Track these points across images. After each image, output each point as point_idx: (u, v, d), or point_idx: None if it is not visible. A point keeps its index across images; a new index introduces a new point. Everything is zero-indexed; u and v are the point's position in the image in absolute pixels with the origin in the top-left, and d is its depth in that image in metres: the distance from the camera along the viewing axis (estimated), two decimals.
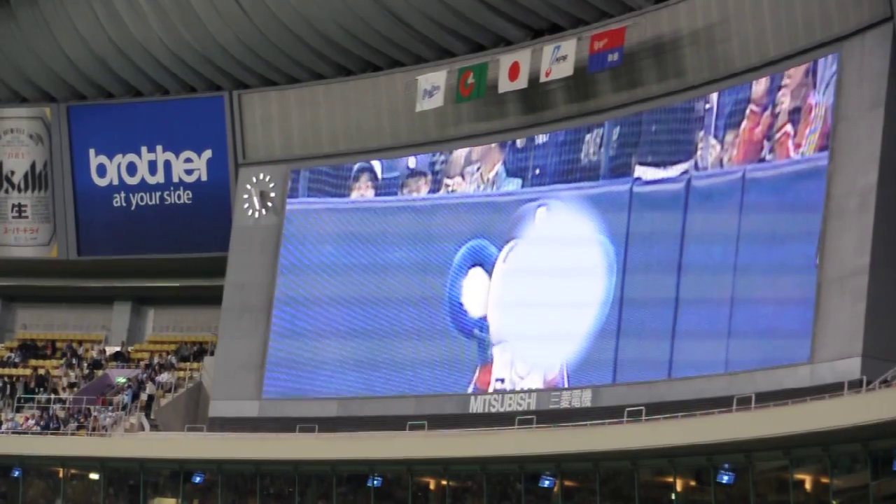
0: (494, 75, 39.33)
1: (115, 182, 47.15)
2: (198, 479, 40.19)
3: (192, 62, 45.16)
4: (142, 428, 42.66)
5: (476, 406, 38.18)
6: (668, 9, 36.70)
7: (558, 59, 38.02)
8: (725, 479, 31.52)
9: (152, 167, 46.72)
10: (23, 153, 48.32)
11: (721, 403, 32.03)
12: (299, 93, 44.01)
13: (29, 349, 48.68)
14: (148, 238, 46.75)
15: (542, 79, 38.34)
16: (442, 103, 40.24)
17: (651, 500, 33.29)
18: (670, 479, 32.77)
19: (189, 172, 46.28)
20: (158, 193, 46.71)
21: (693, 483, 32.71)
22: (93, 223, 47.49)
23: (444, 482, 36.70)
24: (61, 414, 43.84)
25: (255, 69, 44.65)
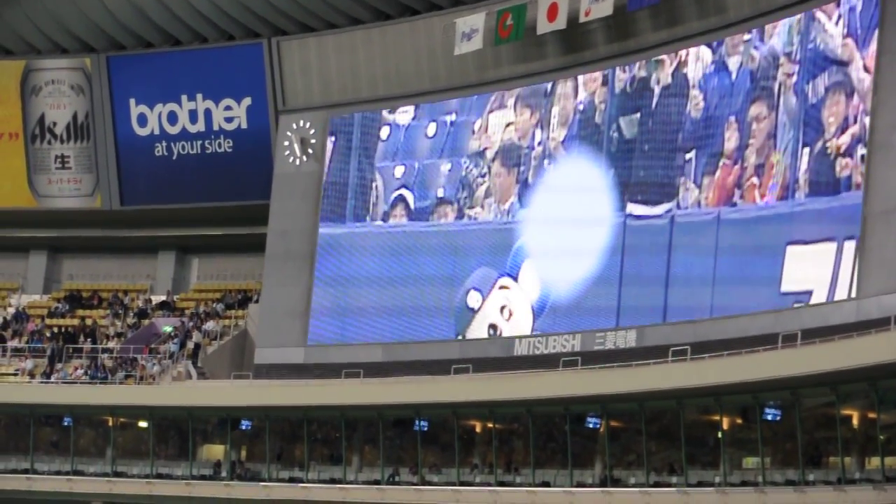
0: (533, 16, 39.19)
1: (157, 131, 47.49)
2: (245, 426, 40.62)
3: (230, 10, 45.28)
4: (189, 376, 43.09)
5: (520, 349, 38.31)
6: None
7: None
8: (771, 416, 31.56)
9: (193, 116, 46.97)
10: (64, 104, 48.73)
11: (766, 341, 31.99)
12: (338, 38, 44.10)
13: (75, 300, 49.24)
14: (190, 187, 47.07)
15: (582, 19, 38.17)
16: (481, 46, 40.20)
17: (697, 439, 33.39)
18: (716, 418, 32.85)
19: (229, 120, 46.52)
20: (199, 142, 47.00)
21: (739, 421, 32.79)
22: (135, 173, 47.90)
23: (489, 425, 36.94)
24: (109, 363, 44.37)
25: (293, 15, 44.70)
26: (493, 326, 35.53)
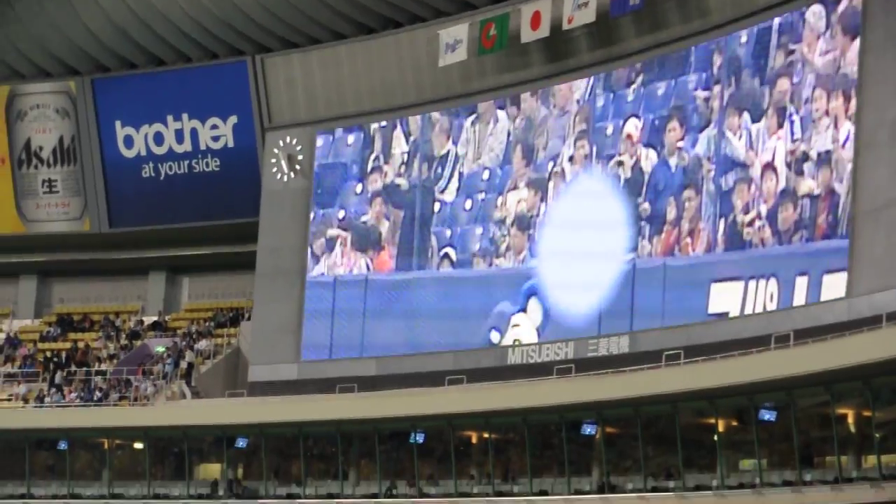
0: (516, 25, 39.38)
1: (143, 153, 47.57)
2: (241, 444, 40.58)
3: (213, 28, 45.39)
4: (183, 396, 43.09)
5: (514, 358, 38.47)
6: None
7: (580, 5, 37.99)
8: (767, 417, 31.62)
9: (179, 136, 47.09)
10: (50, 128, 48.73)
11: (760, 343, 32.16)
12: (322, 54, 44.25)
13: (67, 323, 49.19)
14: (178, 207, 47.16)
15: (565, 26, 38.41)
16: (465, 57, 40.46)
17: (693, 442, 33.46)
18: (712, 421, 32.93)
19: (216, 139, 46.62)
20: (186, 162, 47.12)
21: (735, 423, 32.88)
22: (123, 195, 47.92)
23: (485, 435, 37.02)
24: (103, 386, 44.28)
25: (276, 32, 44.82)
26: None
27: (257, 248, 44.00)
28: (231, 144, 46.32)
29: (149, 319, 48.24)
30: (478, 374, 38.16)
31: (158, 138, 47.37)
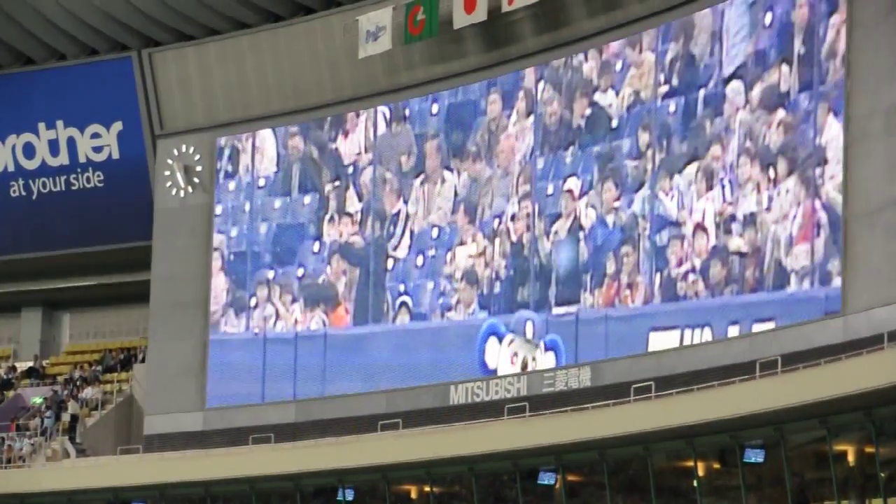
0: (448, 9, 39.54)
1: (11, 168, 47.55)
2: None
3: (91, 20, 45.32)
4: (66, 455, 43.05)
5: (457, 397, 38.62)
6: None
7: None
8: (754, 458, 31.79)
9: (53, 147, 47.08)
10: None
11: (742, 370, 32.40)
12: (221, 47, 44.36)
13: None
14: (56, 231, 47.13)
15: (505, 8, 38.62)
16: (389, 46, 40.60)
17: (669, 489, 33.59)
18: (690, 464, 33.01)
19: (98, 150, 46.59)
20: (63, 177, 47.12)
21: (717, 466, 33.01)
22: None
23: (426, 488, 37.09)
24: None
25: (166, 23, 44.82)
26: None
27: (151, 278, 43.96)
28: (116, 155, 46.29)
29: (23, 365, 48.10)
30: (415, 417, 38.32)
31: (28, 150, 47.37)
